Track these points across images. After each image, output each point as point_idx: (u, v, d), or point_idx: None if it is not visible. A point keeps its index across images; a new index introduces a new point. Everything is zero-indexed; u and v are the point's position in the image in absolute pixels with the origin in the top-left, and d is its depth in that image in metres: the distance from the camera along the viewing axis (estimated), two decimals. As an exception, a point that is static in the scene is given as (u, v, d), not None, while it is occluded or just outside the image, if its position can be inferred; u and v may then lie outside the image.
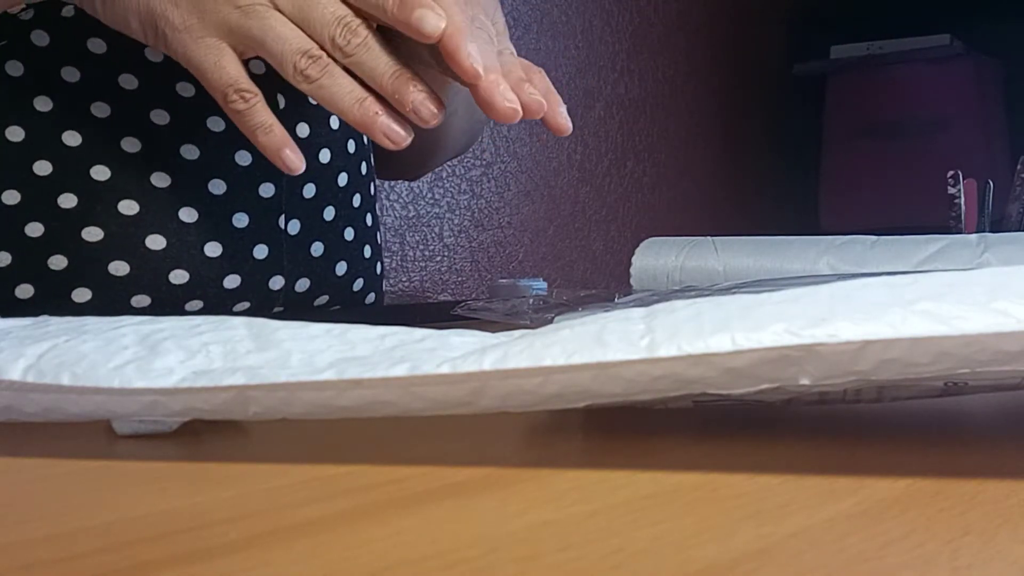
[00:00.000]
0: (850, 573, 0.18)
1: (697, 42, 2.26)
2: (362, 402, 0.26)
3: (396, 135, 0.49)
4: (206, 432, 0.31)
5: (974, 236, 0.55)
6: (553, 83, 0.55)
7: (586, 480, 0.25)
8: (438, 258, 1.73)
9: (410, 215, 1.67)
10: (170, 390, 0.27)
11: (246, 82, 0.49)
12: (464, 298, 1.43)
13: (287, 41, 0.48)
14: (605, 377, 0.24)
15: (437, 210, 1.72)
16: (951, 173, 0.87)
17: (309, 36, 0.49)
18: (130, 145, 0.58)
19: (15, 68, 0.57)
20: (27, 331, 0.30)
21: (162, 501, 0.24)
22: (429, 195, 1.71)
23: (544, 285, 1.45)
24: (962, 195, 0.87)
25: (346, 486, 0.24)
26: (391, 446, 0.29)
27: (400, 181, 1.65)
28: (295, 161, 0.50)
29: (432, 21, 0.48)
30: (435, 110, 0.48)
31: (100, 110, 0.58)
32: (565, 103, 0.53)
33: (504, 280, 1.59)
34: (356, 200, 0.70)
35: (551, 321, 0.39)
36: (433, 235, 1.72)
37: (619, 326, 0.25)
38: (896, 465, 0.25)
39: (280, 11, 0.49)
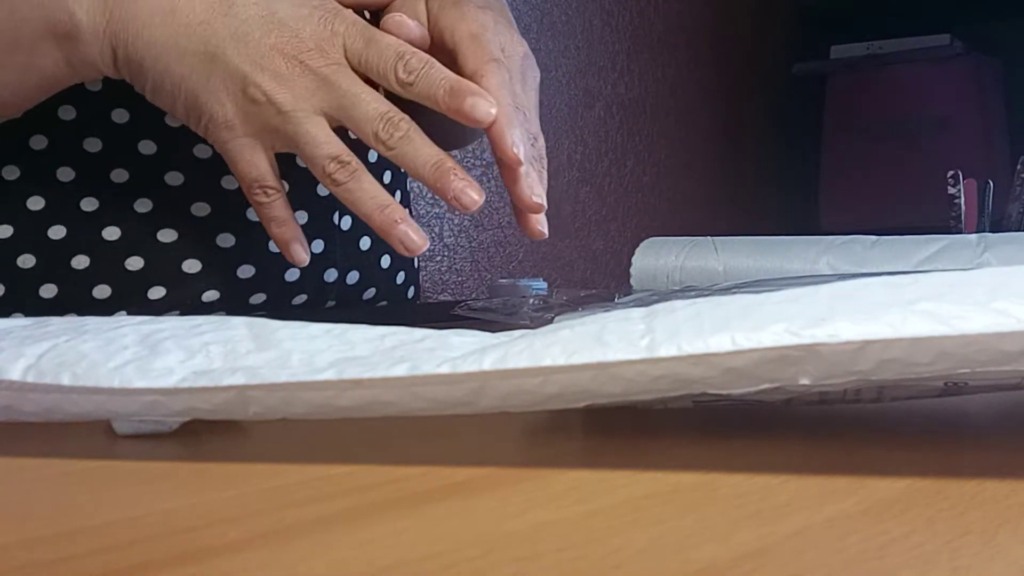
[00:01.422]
0: (850, 573, 0.18)
1: (697, 42, 2.26)
2: (362, 402, 0.26)
3: (412, 243, 0.52)
4: (206, 432, 0.31)
5: (974, 236, 0.54)
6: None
7: (586, 480, 0.25)
8: (438, 258, 1.73)
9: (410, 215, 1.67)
10: (170, 390, 0.27)
11: (272, 179, 0.53)
12: (464, 298, 1.43)
13: (320, 146, 0.51)
14: (605, 377, 0.24)
15: (437, 210, 1.72)
16: (951, 173, 0.87)
17: (355, 130, 0.52)
18: (202, 151, 0.61)
19: (39, 142, 0.59)
20: (27, 331, 0.30)
21: (162, 501, 0.24)
22: (429, 195, 1.71)
23: (544, 285, 1.45)
24: (962, 195, 0.87)
25: (346, 486, 0.24)
26: (391, 446, 0.29)
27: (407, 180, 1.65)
28: (301, 254, 0.55)
29: (483, 108, 0.51)
30: (476, 197, 0.51)
31: (174, 119, 0.60)
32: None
33: (504, 280, 1.59)
34: (397, 196, 0.73)
35: (551, 321, 0.39)
36: (433, 235, 1.72)
37: (619, 326, 0.25)
38: (896, 465, 0.25)
39: (324, 111, 0.51)
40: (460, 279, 1.76)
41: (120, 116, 0.60)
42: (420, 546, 0.20)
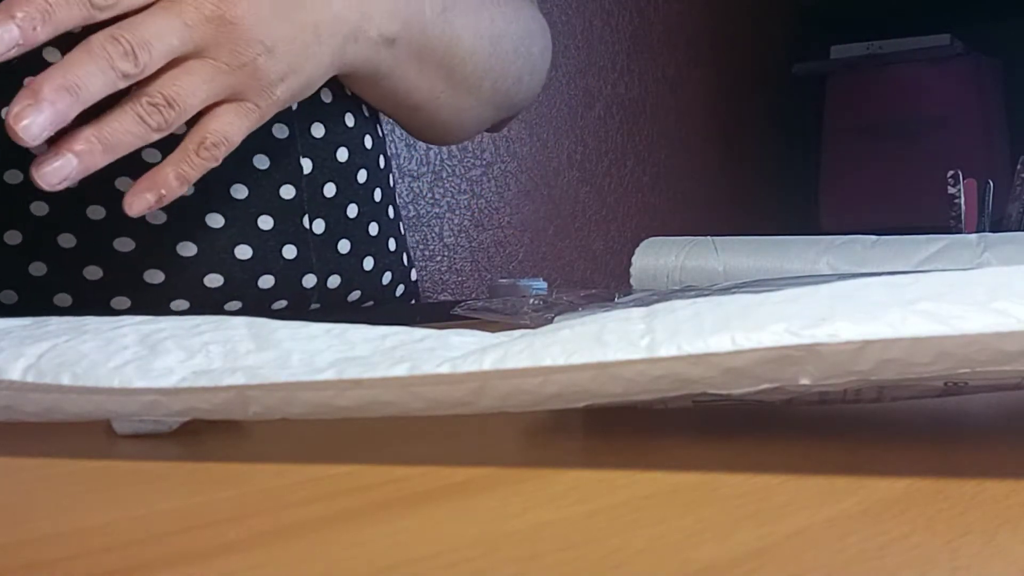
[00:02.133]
0: (850, 573, 0.18)
1: (697, 42, 2.26)
2: (362, 402, 0.26)
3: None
4: (206, 432, 0.31)
5: (974, 236, 0.55)
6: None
7: (586, 480, 0.25)
8: (438, 258, 1.73)
9: (410, 215, 1.67)
10: (170, 390, 0.27)
11: None
12: (464, 298, 1.43)
13: None
14: (605, 377, 0.24)
15: (437, 210, 1.72)
16: (951, 173, 0.87)
17: None
18: (151, 155, 0.59)
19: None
20: (27, 331, 0.30)
21: (162, 501, 0.24)
22: (429, 195, 1.71)
23: (544, 285, 1.45)
24: (962, 195, 0.87)
25: (346, 486, 0.24)
26: (391, 446, 0.29)
27: (404, 180, 1.65)
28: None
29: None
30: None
31: None
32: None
33: (504, 280, 1.59)
34: (377, 195, 0.71)
35: (551, 321, 0.39)
36: (433, 235, 1.72)
37: (619, 326, 0.25)
38: (896, 465, 0.25)
39: None
40: (460, 279, 1.76)
41: None
42: (420, 546, 0.20)
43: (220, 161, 0.52)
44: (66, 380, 0.27)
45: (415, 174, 1.69)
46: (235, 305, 0.62)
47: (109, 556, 0.19)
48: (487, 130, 0.85)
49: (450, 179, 1.74)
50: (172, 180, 0.51)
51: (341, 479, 0.25)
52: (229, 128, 0.52)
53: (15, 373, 0.28)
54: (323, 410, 0.26)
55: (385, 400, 0.26)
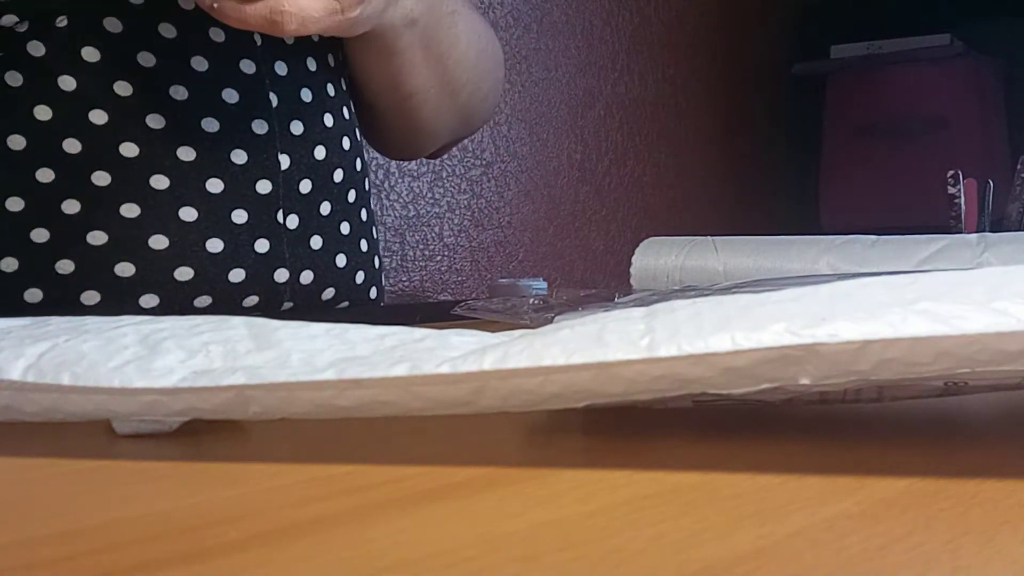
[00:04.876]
0: (850, 573, 0.18)
1: (697, 42, 2.26)
2: (362, 402, 0.26)
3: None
4: (206, 432, 0.31)
5: (974, 236, 0.55)
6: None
7: (586, 480, 0.25)
8: (438, 258, 1.73)
9: (410, 215, 1.67)
10: (170, 390, 0.27)
11: None
12: (464, 298, 1.43)
13: None
14: (605, 377, 0.24)
15: (437, 210, 1.72)
16: (951, 173, 0.87)
17: None
18: (128, 150, 0.60)
19: (14, 79, 0.58)
20: (27, 331, 0.30)
21: (162, 501, 0.24)
22: (429, 195, 1.71)
23: (544, 285, 1.45)
24: (962, 195, 0.87)
25: (346, 486, 0.24)
26: (391, 446, 0.29)
27: (404, 180, 1.65)
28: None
29: None
30: None
31: (98, 117, 0.59)
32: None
33: (504, 280, 1.59)
34: (351, 196, 0.72)
35: (551, 321, 0.39)
36: (433, 235, 1.72)
37: (619, 326, 0.25)
38: (896, 465, 0.25)
39: None
40: (460, 279, 1.76)
41: (43, 113, 0.58)
42: (420, 546, 0.20)
43: (286, 32, 0.56)
44: (66, 380, 0.27)
45: (415, 174, 1.69)
46: (205, 300, 0.62)
47: (109, 556, 0.19)
48: (428, 156, 0.89)
49: (450, 179, 1.74)
50: None
51: (341, 479, 0.25)
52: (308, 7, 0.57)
53: (15, 373, 0.28)
54: (323, 410, 0.26)
55: (385, 400, 0.26)
